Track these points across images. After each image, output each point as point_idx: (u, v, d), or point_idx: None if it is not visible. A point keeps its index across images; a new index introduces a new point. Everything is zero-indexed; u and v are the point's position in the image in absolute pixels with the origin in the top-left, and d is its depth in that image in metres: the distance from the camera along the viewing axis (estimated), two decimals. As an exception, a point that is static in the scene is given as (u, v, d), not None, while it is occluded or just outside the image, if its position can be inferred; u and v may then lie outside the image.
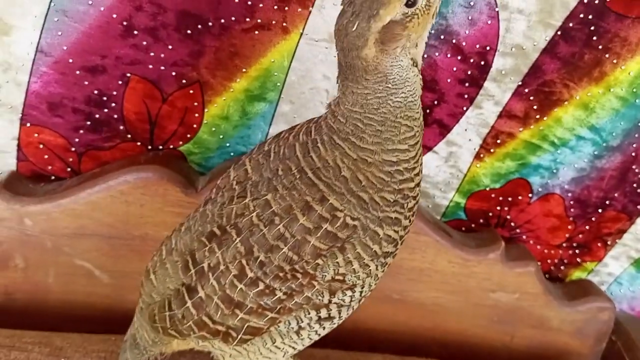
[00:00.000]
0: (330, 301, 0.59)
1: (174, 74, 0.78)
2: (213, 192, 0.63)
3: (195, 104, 0.81)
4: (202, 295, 0.59)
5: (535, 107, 0.83)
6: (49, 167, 0.83)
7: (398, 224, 0.58)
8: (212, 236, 0.59)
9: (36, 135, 0.80)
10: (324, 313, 0.60)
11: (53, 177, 0.84)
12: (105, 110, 0.80)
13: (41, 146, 0.81)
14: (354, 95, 0.56)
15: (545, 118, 0.84)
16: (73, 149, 0.82)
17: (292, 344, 0.62)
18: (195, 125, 0.83)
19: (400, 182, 0.57)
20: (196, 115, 0.82)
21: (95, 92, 0.78)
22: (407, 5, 0.52)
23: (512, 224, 0.92)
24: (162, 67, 0.77)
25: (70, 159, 0.83)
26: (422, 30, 0.55)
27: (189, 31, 0.75)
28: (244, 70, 0.79)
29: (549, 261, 0.96)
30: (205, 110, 0.82)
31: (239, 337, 0.60)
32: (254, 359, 0.63)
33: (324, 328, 0.62)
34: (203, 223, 0.61)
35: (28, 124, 0.80)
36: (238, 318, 0.59)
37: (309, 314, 0.59)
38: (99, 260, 0.83)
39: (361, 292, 0.60)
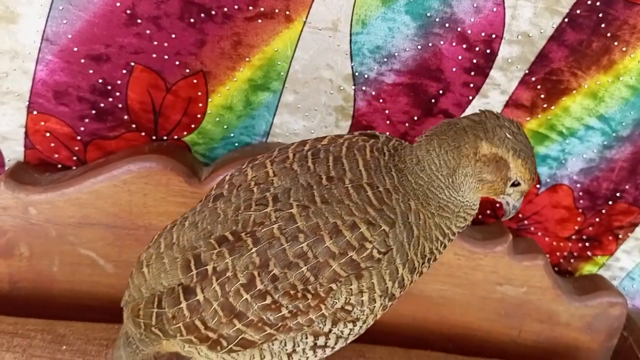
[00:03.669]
0: (330, 330, 0.58)
1: (177, 63, 0.78)
2: (225, 188, 0.61)
3: (199, 93, 0.81)
4: (200, 299, 0.57)
5: (542, 96, 0.82)
6: (56, 156, 0.84)
7: (415, 272, 0.58)
8: (224, 240, 0.57)
9: (43, 123, 0.81)
10: (321, 341, 0.59)
11: (60, 166, 0.85)
12: (110, 99, 0.80)
13: (48, 134, 0.82)
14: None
15: (552, 107, 0.82)
16: (79, 137, 0.83)
17: None
18: (199, 116, 0.83)
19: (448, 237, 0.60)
20: (200, 105, 0.82)
21: (100, 81, 0.79)
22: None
23: (520, 215, 0.91)
24: (166, 57, 0.78)
25: (76, 148, 0.84)
26: None
27: (192, 20, 0.75)
28: (247, 59, 0.79)
29: (558, 254, 0.94)
30: (209, 100, 0.82)
31: (229, 347, 0.58)
32: None
33: (315, 356, 0.61)
34: (212, 222, 0.58)
35: (35, 112, 0.80)
36: (234, 328, 0.57)
37: (307, 338, 0.58)
38: (103, 249, 0.83)
39: (360, 328, 0.59)
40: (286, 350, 0.59)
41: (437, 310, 0.88)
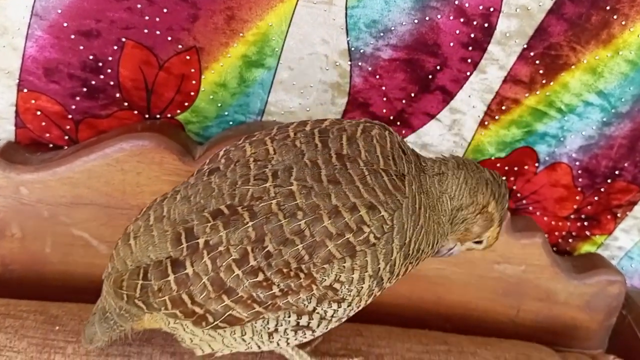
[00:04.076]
0: (314, 309, 0.57)
1: (169, 39, 0.77)
2: (221, 162, 0.59)
3: (192, 70, 0.79)
4: (189, 272, 0.56)
5: (541, 71, 0.80)
6: (47, 135, 0.83)
7: (407, 259, 0.59)
8: (219, 214, 0.55)
9: (33, 101, 0.80)
10: (304, 321, 0.58)
11: (51, 146, 0.84)
12: (101, 76, 0.79)
13: (38, 113, 0.81)
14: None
15: (551, 83, 0.81)
16: (70, 116, 0.81)
17: (259, 342, 0.60)
18: (192, 93, 0.81)
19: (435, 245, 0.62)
20: (193, 82, 0.80)
21: (91, 57, 0.77)
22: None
23: (518, 194, 0.90)
24: (158, 32, 0.76)
25: (68, 127, 0.82)
26: None
27: (184, -7, 0.74)
28: (241, 34, 0.77)
29: (556, 233, 0.93)
30: (203, 77, 0.80)
31: (215, 323, 0.57)
32: (227, 343, 0.61)
33: (295, 338, 0.60)
34: (207, 196, 0.57)
35: (25, 90, 0.79)
36: (222, 304, 0.56)
37: (289, 317, 0.57)
38: (96, 230, 0.82)
39: (344, 311, 0.59)
40: (268, 329, 0.58)
41: (435, 290, 0.88)
